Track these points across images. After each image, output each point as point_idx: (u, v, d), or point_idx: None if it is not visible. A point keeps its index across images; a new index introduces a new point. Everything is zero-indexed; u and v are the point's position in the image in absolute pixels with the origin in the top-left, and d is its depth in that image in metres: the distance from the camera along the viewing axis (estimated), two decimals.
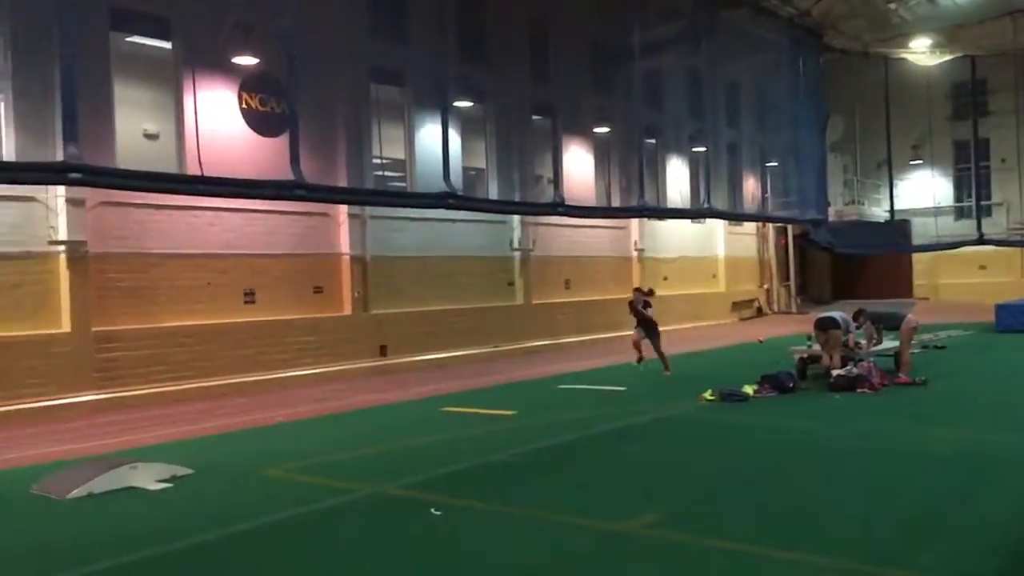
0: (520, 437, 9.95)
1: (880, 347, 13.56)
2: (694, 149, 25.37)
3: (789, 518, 6.43)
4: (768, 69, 23.26)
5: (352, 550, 6.06)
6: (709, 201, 20.51)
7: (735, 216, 26.10)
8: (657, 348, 15.35)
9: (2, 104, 12.62)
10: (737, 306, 29.98)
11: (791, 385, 12.38)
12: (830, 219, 26.26)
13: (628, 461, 8.73)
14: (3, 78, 12.61)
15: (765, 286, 32.33)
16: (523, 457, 8.84)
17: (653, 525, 6.29)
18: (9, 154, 12.37)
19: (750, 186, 25.74)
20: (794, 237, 32.30)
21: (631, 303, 15.75)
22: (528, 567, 5.60)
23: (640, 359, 15.54)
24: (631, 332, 16.04)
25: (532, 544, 6.03)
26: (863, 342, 13.31)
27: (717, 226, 28.78)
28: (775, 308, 32.42)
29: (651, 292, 16.11)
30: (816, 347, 13.33)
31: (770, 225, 31.58)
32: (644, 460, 8.74)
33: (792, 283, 33.32)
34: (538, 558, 5.75)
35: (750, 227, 31.29)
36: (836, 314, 13.30)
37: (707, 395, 11.99)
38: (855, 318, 13.32)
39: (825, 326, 12.94)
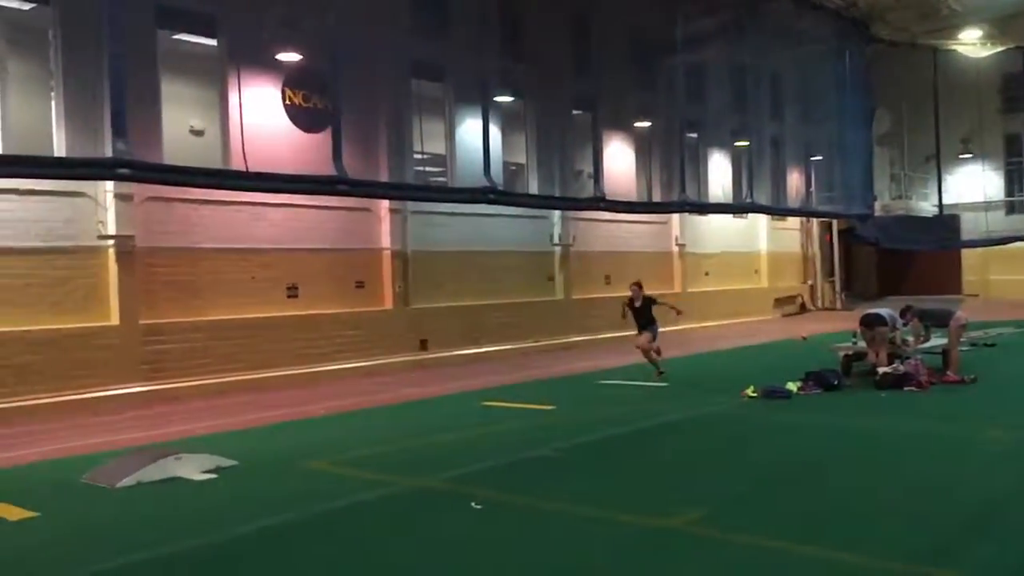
0: (560, 432, 9.93)
1: (928, 344, 13.29)
2: (736, 143, 25.07)
3: (834, 517, 6.33)
4: (813, 61, 22.91)
5: (393, 543, 6.10)
6: (752, 196, 20.26)
7: (778, 211, 25.79)
8: (650, 346, 14.06)
9: (53, 101, 12.92)
10: (780, 302, 29.62)
11: (836, 382, 12.18)
12: (876, 214, 25.82)
13: (670, 457, 8.67)
14: (54, 76, 12.90)
15: (809, 282, 31.89)
16: (564, 452, 8.81)
17: (697, 522, 6.23)
18: (60, 150, 12.65)
19: (794, 180, 25.41)
20: (839, 232, 31.78)
21: (630, 300, 14.29)
22: (569, 563, 5.58)
23: (659, 367, 14.13)
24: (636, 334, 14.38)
25: (573, 540, 6.02)
26: (910, 339, 13.05)
27: (760, 221, 28.44)
28: (819, 304, 31.96)
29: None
30: (862, 344, 13.11)
31: (814, 220, 31.13)
32: (686, 456, 8.67)
33: (837, 279, 32.80)
34: (580, 554, 5.73)
35: (794, 222, 30.87)
36: (883, 311, 13.06)
37: (749, 392, 11.85)
38: (902, 315, 13.07)
39: (871, 323, 12.71)
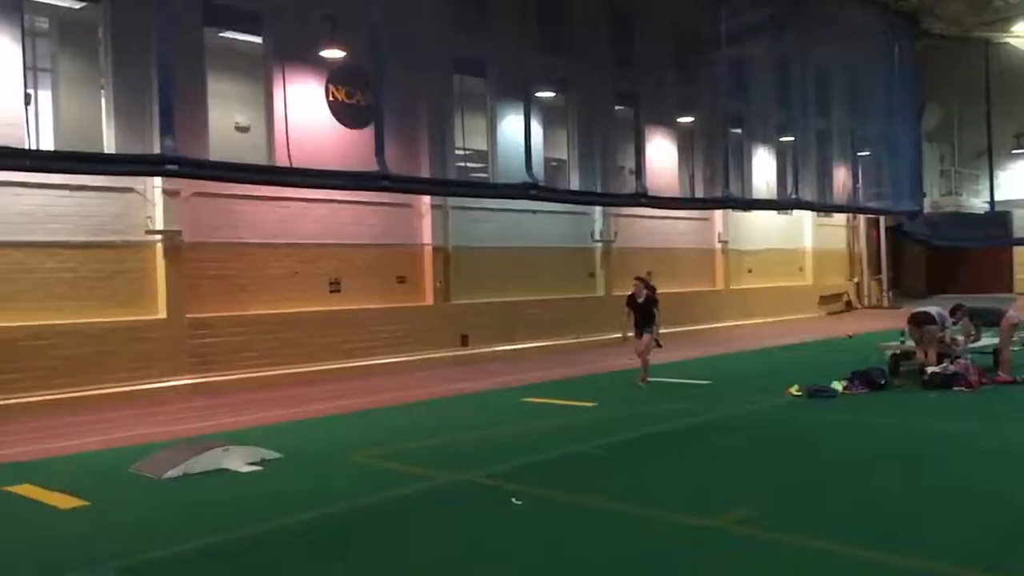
0: (602, 429, 9.88)
1: (978, 344, 13.00)
2: (782, 139, 24.76)
3: (882, 518, 6.21)
4: (861, 55, 22.51)
5: (434, 536, 6.12)
6: (797, 192, 19.99)
7: (824, 207, 25.40)
8: (645, 349, 13.26)
9: (103, 99, 13.17)
10: (825, 300, 29.17)
11: (883, 382, 11.98)
12: (926, 210, 25.33)
13: (714, 455, 8.58)
14: (104, 74, 13.15)
15: (855, 279, 31.36)
16: (605, 449, 8.77)
17: (743, 522, 6.15)
18: (110, 147, 12.89)
19: (840, 176, 24.97)
20: (887, 229, 31.20)
21: (631, 297, 13.36)
22: (612, 560, 5.55)
23: (644, 378, 13.21)
24: (635, 333, 13.36)
25: (615, 537, 5.98)
26: (960, 338, 12.76)
27: (805, 217, 28.00)
28: (865, 302, 31.42)
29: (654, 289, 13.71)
30: (910, 343, 12.86)
31: (861, 217, 30.58)
32: (730, 455, 8.57)
33: (884, 277, 32.21)
34: (622, 552, 5.69)
35: (840, 218, 30.37)
36: (932, 309, 12.80)
37: (793, 390, 11.69)
38: (952, 313, 12.79)
39: (920, 321, 12.46)
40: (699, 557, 5.54)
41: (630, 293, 13.42)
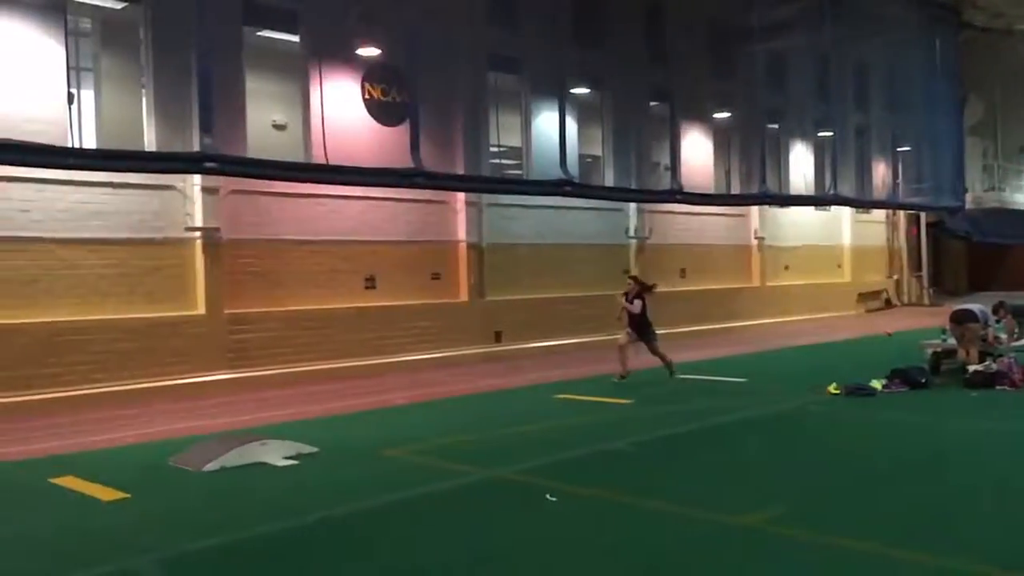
0: (636, 426, 9.86)
1: (1021, 342, 12.74)
2: (819, 133, 24.47)
3: (919, 518, 6.13)
4: (901, 48, 22.18)
5: (469, 532, 6.15)
6: (835, 187, 19.74)
7: (863, 203, 25.08)
8: (656, 351, 13.17)
9: (144, 97, 13.38)
10: (863, 297, 28.77)
11: (923, 381, 11.79)
12: (967, 206, 24.87)
13: (749, 453, 8.51)
14: (145, 73, 13.36)
15: (894, 277, 30.88)
16: (640, 446, 8.75)
17: (776, 520, 6.10)
18: (151, 145, 13.10)
19: (880, 172, 24.65)
20: (927, 225, 30.68)
21: (625, 294, 13.11)
22: (645, 559, 5.53)
23: (624, 375, 12.91)
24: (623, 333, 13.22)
25: (649, 535, 5.96)
26: (1003, 336, 12.53)
27: (843, 213, 27.61)
28: (905, 300, 30.94)
29: (652, 286, 13.35)
30: (951, 341, 12.64)
31: (901, 213, 30.12)
32: (765, 453, 8.50)
33: (924, 274, 31.66)
34: (655, 550, 5.68)
35: (879, 214, 29.91)
36: (974, 307, 12.58)
37: (831, 388, 11.56)
38: (995, 311, 12.56)
39: (962, 319, 12.25)
40: (733, 555, 5.50)
41: (623, 292, 13.15)
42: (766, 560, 5.40)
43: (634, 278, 13.15)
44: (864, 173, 23.29)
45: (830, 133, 21.43)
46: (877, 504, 6.55)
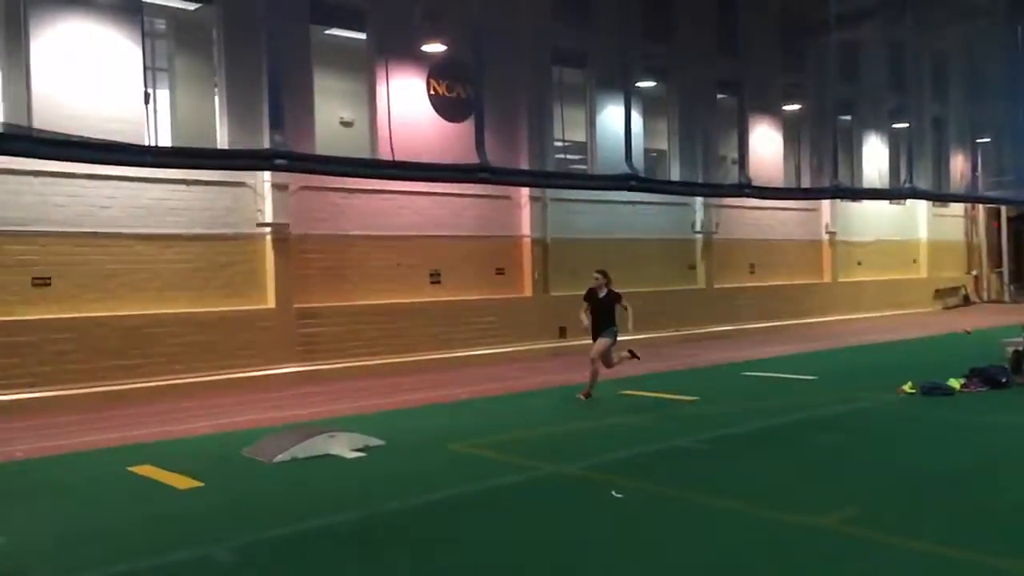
0: (703, 423, 9.72)
1: None
2: (894, 125, 23.79)
3: (999, 522, 5.89)
4: (981, 38, 21.43)
5: (535, 526, 6.13)
6: (911, 180, 19.15)
7: (940, 197, 24.33)
8: (603, 355, 11.45)
9: (216, 96, 13.71)
10: (941, 294, 27.89)
11: (1004, 380, 11.36)
12: None
13: (821, 453, 8.31)
14: (218, 72, 13.68)
15: (973, 272, 29.85)
16: (707, 444, 8.62)
17: (850, 521, 5.94)
18: (223, 143, 13.42)
19: (958, 164, 23.86)
20: (1008, 219, 29.57)
21: (590, 292, 11.58)
22: (714, 558, 5.44)
23: (588, 394, 11.40)
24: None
25: (718, 534, 5.86)
26: None
27: (919, 207, 26.78)
28: (985, 296, 29.88)
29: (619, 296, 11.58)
30: None
31: (980, 206, 29.07)
32: (838, 452, 8.28)
33: (1005, 270, 30.52)
34: (724, 549, 5.58)
35: (957, 208, 28.93)
36: None
37: (906, 387, 11.22)
38: None
39: None
40: (804, 556, 5.37)
41: (589, 288, 11.59)
42: (837, 561, 5.26)
43: (602, 272, 11.64)
44: (942, 165, 22.57)
45: (905, 124, 20.82)
46: (955, 506, 6.33)
